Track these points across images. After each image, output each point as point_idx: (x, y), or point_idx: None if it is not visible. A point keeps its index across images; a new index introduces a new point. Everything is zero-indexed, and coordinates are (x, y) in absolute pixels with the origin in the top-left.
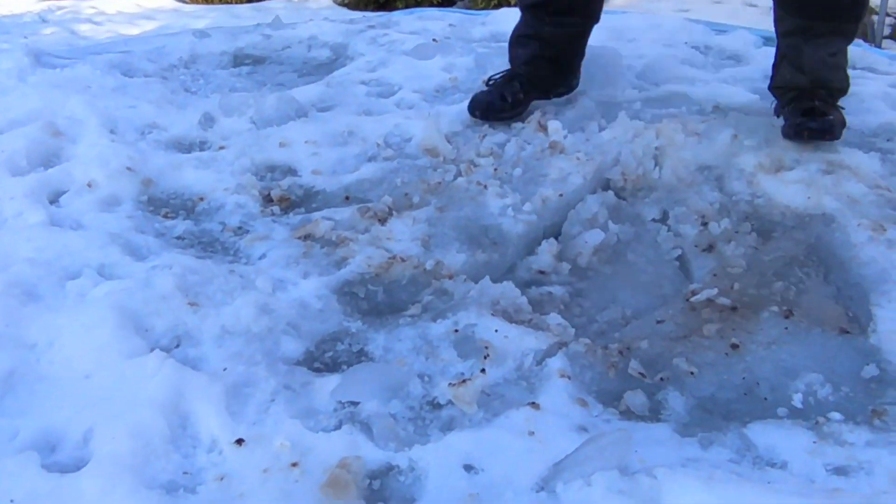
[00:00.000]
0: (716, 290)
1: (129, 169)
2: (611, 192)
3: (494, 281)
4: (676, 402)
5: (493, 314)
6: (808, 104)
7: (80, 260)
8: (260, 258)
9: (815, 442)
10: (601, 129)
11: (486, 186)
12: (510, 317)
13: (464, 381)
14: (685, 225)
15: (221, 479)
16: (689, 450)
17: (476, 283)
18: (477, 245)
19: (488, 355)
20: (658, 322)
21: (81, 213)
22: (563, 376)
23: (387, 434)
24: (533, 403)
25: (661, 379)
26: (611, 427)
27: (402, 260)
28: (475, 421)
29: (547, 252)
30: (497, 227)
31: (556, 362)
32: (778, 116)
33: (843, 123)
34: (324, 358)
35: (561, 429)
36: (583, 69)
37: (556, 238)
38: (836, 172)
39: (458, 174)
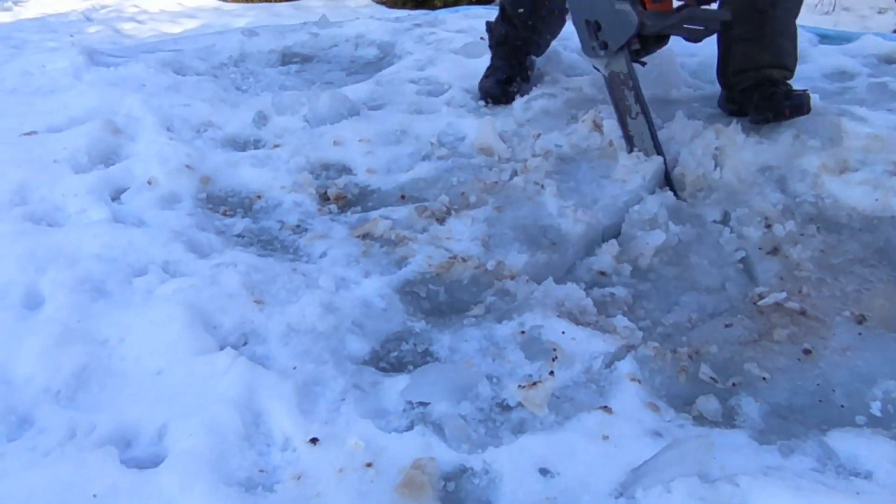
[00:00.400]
0: (784, 294)
1: (187, 167)
2: (670, 193)
3: (556, 282)
4: (750, 409)
5: (558, 316)
6: (771, 89)
7: (146, 257)
8: (321, 257)
9: None
10: (658, 128)
11: (543, 186)
12: (576, 318)
13: (534, 383)
14: (748, 227)
15: (298, 478)
16: (768, 457)
17: (539, 283)
18: (536, 245)
19: (556, 357)
20: (726, 326)
21: (143, 211)
22: (633, 380)
23: (459, 435)
24: (605, 407)
25: (734, 384)
26: (685, 433)
27: (463, 260)
28: (547, 424)
29: (607, 253)
30: (556, 227)
31: (626, 366)
32: (732, 114)
33: (808, 97)
34: (389, 357)
35: (635, 433)
36: (637, 67)
37: (616, 239)
38: None
39: (514, 174)
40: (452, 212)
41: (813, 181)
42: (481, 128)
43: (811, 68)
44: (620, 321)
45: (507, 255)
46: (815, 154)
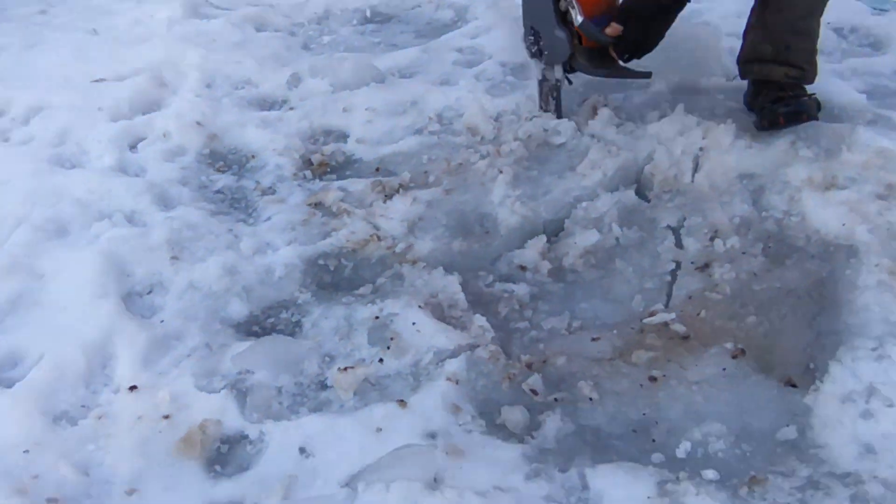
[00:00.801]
0: (673, 315)
1: (198, 123)
2: (632, 192)
3: (465, 270)
4: (553, 427)
5: (421, 306)
6: (776, 93)
7: (116, 205)
8: (265, 220)
9: (649, 497)
10: (660, 118)
11: (501, 172)
12: (441, 312)
13: (347, 368)
14: (692, 238)
15: (100, 417)
16: (511, 478)
17: (434, 270)
18: (466, 232)
19: (390, 346)
20: (593, 339)
21: (147, 161)
22: (450, 380)
23: (259, 405)
24: (401, 401)
25: (555, 399)
26: (468, 438)
27: (379, 239)
28: (345, 408)
29: (533, 248)
30: (493, 216)
31: (453, 365)
32: (750, 110)
33: (818, 103)
34: (264, 323)
35: (410, 431)
36: (672, 49)
37: (556, 235)
38: (891, 198)
39: (485, 156)
40: (402, 190)
41: (791, 195)
42: (470, 106)
43: (887, 61)
44: (479, 320)
45: (422, 240)
46: (805, 165)
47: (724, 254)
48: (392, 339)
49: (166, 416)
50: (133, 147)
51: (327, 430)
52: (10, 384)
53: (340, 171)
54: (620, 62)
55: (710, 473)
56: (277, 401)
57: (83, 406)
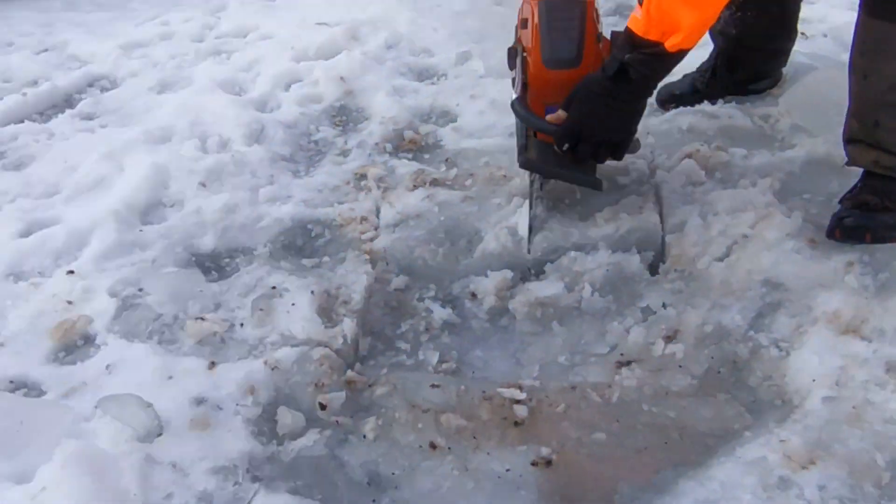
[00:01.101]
0: (524, 396)
1: (341, 78)
2: (638, 258)
3: (419, 277)
4: (305, 445)
5: (314, 292)
6: (860, 196)
7: (221, 129)
8: (310, 176)
9: None
10: (726, 186)
11: (524, 200)
12: (328, 304)
13: (203, 318)
14: (649, 329)
15: (34, 284)
16: (198, 467)
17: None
18: (452, 243)
19: (256, 316)
20: (433, 386)
21: (286, 101)
22: (268, 364)
23: (130, 322)
24: (213, 363)
25: (337, 423)
26: (226, 417)
27: (362, 222)
28: (179, 350)
29: (495, 280)
30: (481, 236)
31: (285, 352)
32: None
33: (880, 228)
34: (218, 262)
35: (193, 388)
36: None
37: (538, 276)
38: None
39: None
40: (433, 185)
41: (800, 325)
42: None
43: None
44: (348, 325)
45: (396, 235)
46: (842, 296)
47: (656, 358)
48: (262, 309)
49: (70, 302)
50: (287, 86)
51: (141, 358)
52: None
53: (418, 153)
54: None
55: None
56: (146, 325)
57: (38, 272)
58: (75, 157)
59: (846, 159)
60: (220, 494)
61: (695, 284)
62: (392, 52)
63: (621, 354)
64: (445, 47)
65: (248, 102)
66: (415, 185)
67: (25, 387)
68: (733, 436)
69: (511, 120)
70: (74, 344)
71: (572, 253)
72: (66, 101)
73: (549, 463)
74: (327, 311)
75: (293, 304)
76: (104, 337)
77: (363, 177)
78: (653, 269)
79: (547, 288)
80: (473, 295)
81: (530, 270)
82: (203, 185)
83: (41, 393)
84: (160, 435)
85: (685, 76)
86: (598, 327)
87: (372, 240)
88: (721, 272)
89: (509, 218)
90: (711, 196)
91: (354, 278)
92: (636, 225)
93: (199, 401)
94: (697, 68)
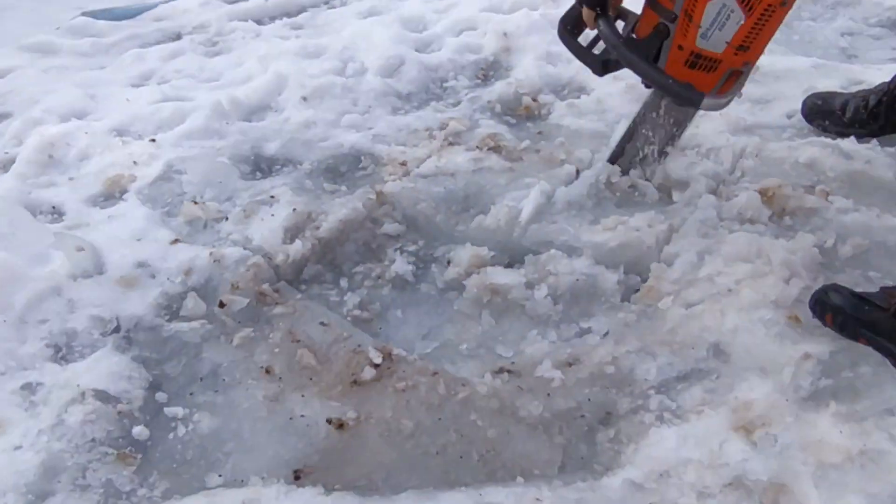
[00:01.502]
0: (380, 361)
1: (504, 34)
2: (616, 277)
3: (413, 229)
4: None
5: (296, 209)
6: None
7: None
8: (409, 114)
9: None
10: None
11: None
12: (301, 226)
13: (199, 203)
14: (547, 343)
15: (122, 140)
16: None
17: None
18: (461, 208)
19: (245, 211)
20: (322, 324)
21: (444, 46)
22: (186, 275)
23: (167, 195)
24: (176, 240)
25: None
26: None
27: (401, 164)
28: (172, 224)
29: (469, 254)
30: (486, 210)
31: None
32: None
33: None
34: (270, 167)
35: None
36: None
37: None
38: None
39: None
40: (492, 152)
41: (704, 404)
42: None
43: None
44: (293, 247)
45: (418, 185)
46: (769, 388)
47: (533, 377)
48: (245, 211)
49: (135, 162)
50: (459, 32)
51: (136, 219)
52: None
53: (523, 120)
54: None
55: None
56: (168, 196)
57: (137, 134)
58: (249, 56)
59: None
60: (81, 337)
61: (645, 322)
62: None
63: (512, 363)
64: None
65: (413, 39)
66: (476, 147)
67: (57, 213)
68: (514, 479)
69: None
70: (113, 194)
71: (554, 251)
72: (297, 12)
73: (341, 425)
74: (296, 230)
75: (272, 215)
76: (131, 195)
77: (445, 126)
78: (626, 295)
79: (507, 277)
80: (449, 262)
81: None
82: (304, 99)
83: (60, 219)
84: (90, 277)
85: (855, 94)
86: (522, 330)
87: (386, 185)
88: (677, 319)
89: (521, 200)
90: (732, 237)
91: (339, 210)
92: (630, 242)
93: (141, 264)
94: (873, 88)
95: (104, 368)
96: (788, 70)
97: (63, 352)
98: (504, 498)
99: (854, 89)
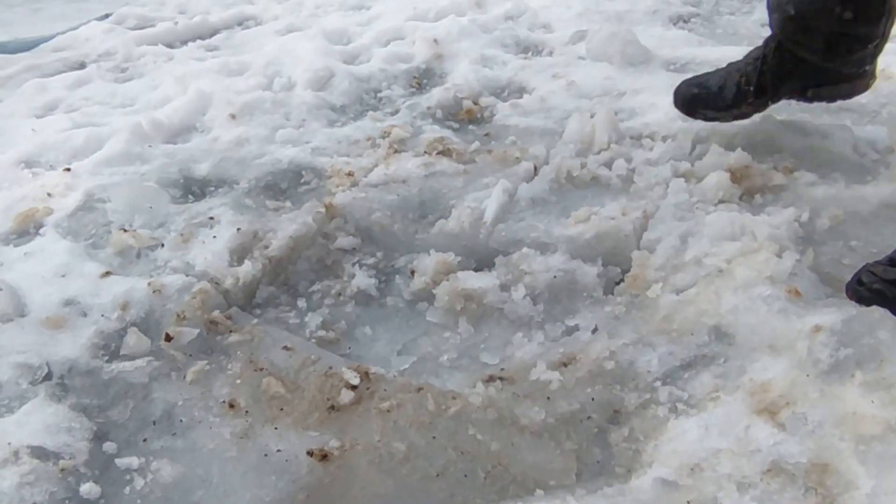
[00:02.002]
0: (357, 382)
1: (435, 41)
2: (596, 270)
3: (370, 240)
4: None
5: (240, 229)
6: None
7: (294, 70)
8: (345, 125)
9: None
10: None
11: (514, 184)
12: (249, 241)
13: (128, 231)
14: (536, 345)
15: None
16: None
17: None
18: (419, 215)
19: (183, 235)
20: (285, 348)
21: (379, 54)
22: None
23: (86, 227)
24: (106, 273)
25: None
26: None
27: (347, 175)
28: (96, 254)
29: (434, 262)
30: (447, 214)
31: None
32: None
33: None
34: (202, 189)
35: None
36: None
37: (489, 267)
38: None
39: (542, 165)
40: (446, 155)
41: (717, 391)
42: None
43: None
44: (247, 268)
45: (369, 195)
46: (785, 365)
47: (529, 382)
48: (183, 235)
49: (49, 194)
50: (387, 42)
51: (56, 253)
52: None
53: (466, 123)
54: None
55: None
56: (92, 227)
57: (48, 164)
58: (166, 78)
59: None
60: (6, 388)
61: (636, 313)
62: (508, 23)
63: (502, 369)
64: (567, 25)
65: (339, 52)
66: (425, 152)
67: None
68: (532, 493)
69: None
70: (27, 230)
71: (526, 249)
72: (210, 34)
73: (325, 456)
74: (243, 251)
75: (214, 237)
76: (49, 229)
77: (387, 135)
78: (609, 287)
79: (479, 281)
80: (412, 272)
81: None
82: (233, 116)
83: None
84: (10, 321)
85: (724, 69)
86: (505, 335)
87: (335, 195)
88: (670, 306)
89: (483, 201)
90: (710, 217)
91: (288, 226)
92: (606, 232)
93: (69, 302)
94: (744, 57)
95: (38, 421)
96: (724, 58)
97: None
98: None
99: None
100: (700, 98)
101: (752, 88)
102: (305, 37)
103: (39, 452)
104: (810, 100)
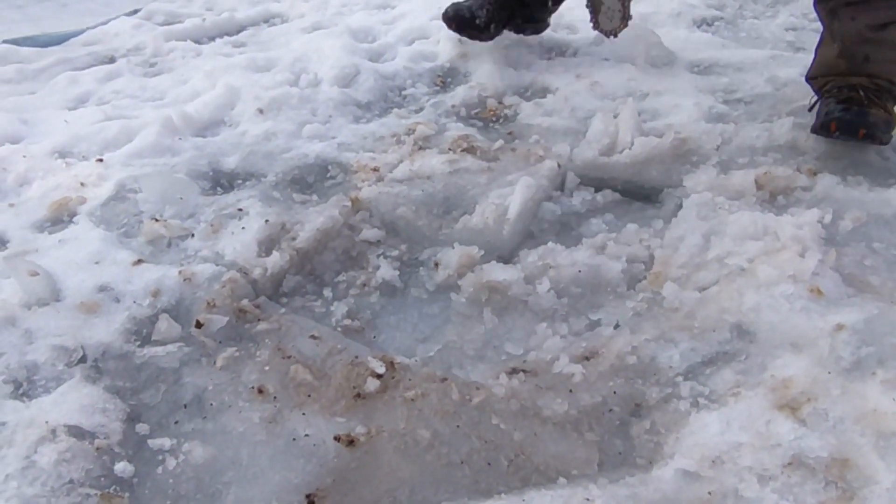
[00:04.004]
0: (383, 370)
1: (460, 40)
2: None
3: (394, 234)
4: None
5: (268, 221)
6: (846, 93)
7: (321, 64)
8: (370, 122)
9: None
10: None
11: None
12: (275, 233)
13: (159, 220)
14: (559, 338)
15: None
16: None
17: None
18: (444, 211)
19: (213, 226)
20: (312, 336)
21: (397, 56)
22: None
23: (118, 210)
24: (139, 260)
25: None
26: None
27: (372, 171)
28: (125, 243)
29: (459, 255)
30: (471, 209)
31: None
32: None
33: (887, 123)
34: (230, 182)
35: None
36: None
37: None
38: None
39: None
40: (470, 152)
41: (738, 386)
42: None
43: None
44: (273, 262)
45: (394, 189)
46: (807, 362)
47: (551, 374)
48: (213, 226)
49: (82, 184)
50: (411, 41)
51: (90, 241)
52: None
53: (489, 122)
54: None
55: None
56: (123, 216)
57: (81, 155)
58: (194, 73)
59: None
60: (43, 369)
61: (657, 309)
62: None
63: (524, 361)
64: (590, 26)
65: (364, 50)
66: (449, 149)
67: None
68: (555, 482)
69: None
70: (61, 218)
71: (551, 244)
72: (237, 31)
73: (351, 442)
74: (271, 242)
75: (243, 228)
76: (82, 217)
77: (412, 132)
78: (632, 283)
79: (504, 273)
80: (436, 265)
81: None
82: (260, 111)
83: (3, 247)
84: (46, 305)
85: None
86: (529, 327)
87: (361, 190)
88: (692, 303)
89: (506, 198)
90: (733, 217)
91: (315, 219)
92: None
93: (103, 288)
94: None
95: (74, 402)
96: (747, 61)
97: (24, 387)
98: (551, 501)
99: None
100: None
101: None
102: (331, 34)
103: (76, 431)
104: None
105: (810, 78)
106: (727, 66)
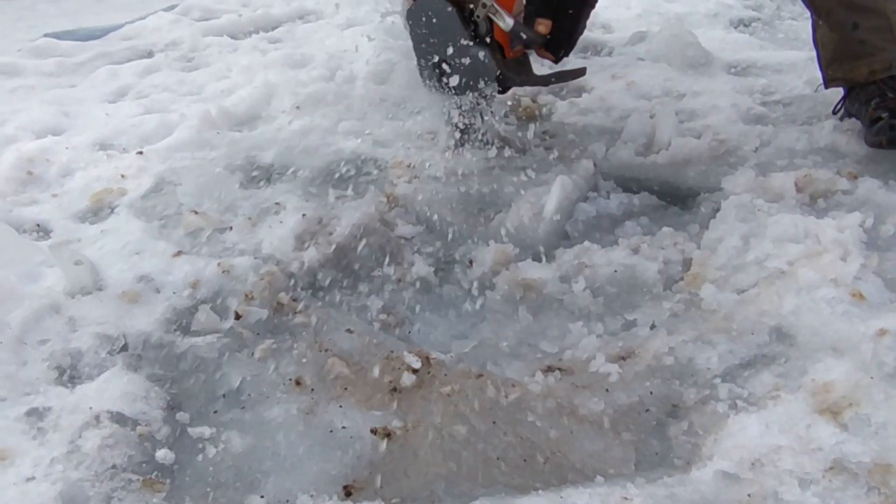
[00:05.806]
0: (419, 365)
1: None
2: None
3: (433, 228)
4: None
5: (305, 215)
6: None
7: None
8: (407, 119)
9: None
10: None
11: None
12: (310, 226)
13: (199, 212)
14: (595, 337)
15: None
16: None
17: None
18: (479, 209)
19: (251, 219)
20: (348, 330)
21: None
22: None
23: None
24: (178, 252)
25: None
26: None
27: (408, 167)
28: (167, 235)
29: (493, 253)
30: (507, 208)
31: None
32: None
33: None
34: (267, 176)
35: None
36: None
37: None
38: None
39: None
40: (498, 150)
41: (777, 389)
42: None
43: None
44: (310, 255)
45: (430, 186)
46: (848, 366)
47: (588, 373)
48: (251, 219)
49: (123, 176)
50: None
51: (130, 232)
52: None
53: (526, 121)
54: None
55: None
56: (162, 208)
57: (121, 147)
58: (231, 68)
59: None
60: (86, 356)
61: (695, 311)
62: None
63: (560, 359)
64: (627, 26)
65: (400, 47)
66: (484, 145)
67: (42, 230)
68: (592, 480)
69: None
70: (102, 209)
71: (588, 243)
72: (273, 27)
73: (388, 435)
74: (308, 236)
75: (280, 222)
76: (123, 208)
77: (455, 126)
78: (669, 284)
79: (539, 271)
80: (471, 262)
81: (541, 250)
82: (297, 107)
83: (47, 236)
84: (89, 293)
85: None
86: (564, 326)
87: (399, 185)
88: (731, 305)
89: (542, 196)
90: (773, 219)
91: (351, 214)
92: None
93: (143, 278)
94: None
95: (117, 389)
96: (785, 63)
97: (69, 373)
98: (589, 499)
99: None
100: None
101: None
102: (366, 32)
103: (118, 418)
104: None
105: (826, 74)
106: (765, 67)
